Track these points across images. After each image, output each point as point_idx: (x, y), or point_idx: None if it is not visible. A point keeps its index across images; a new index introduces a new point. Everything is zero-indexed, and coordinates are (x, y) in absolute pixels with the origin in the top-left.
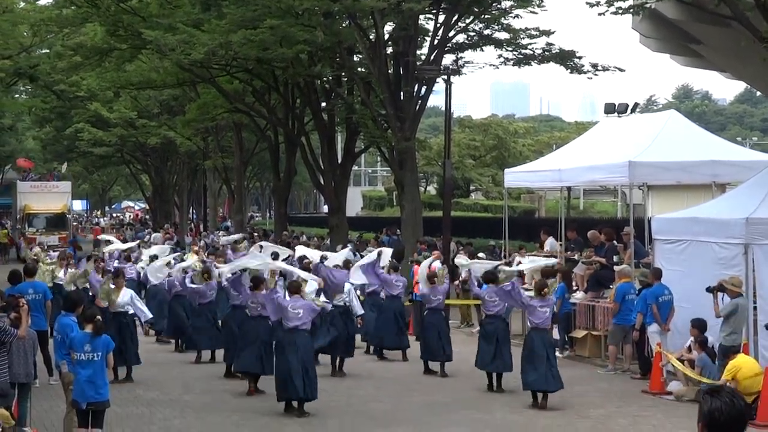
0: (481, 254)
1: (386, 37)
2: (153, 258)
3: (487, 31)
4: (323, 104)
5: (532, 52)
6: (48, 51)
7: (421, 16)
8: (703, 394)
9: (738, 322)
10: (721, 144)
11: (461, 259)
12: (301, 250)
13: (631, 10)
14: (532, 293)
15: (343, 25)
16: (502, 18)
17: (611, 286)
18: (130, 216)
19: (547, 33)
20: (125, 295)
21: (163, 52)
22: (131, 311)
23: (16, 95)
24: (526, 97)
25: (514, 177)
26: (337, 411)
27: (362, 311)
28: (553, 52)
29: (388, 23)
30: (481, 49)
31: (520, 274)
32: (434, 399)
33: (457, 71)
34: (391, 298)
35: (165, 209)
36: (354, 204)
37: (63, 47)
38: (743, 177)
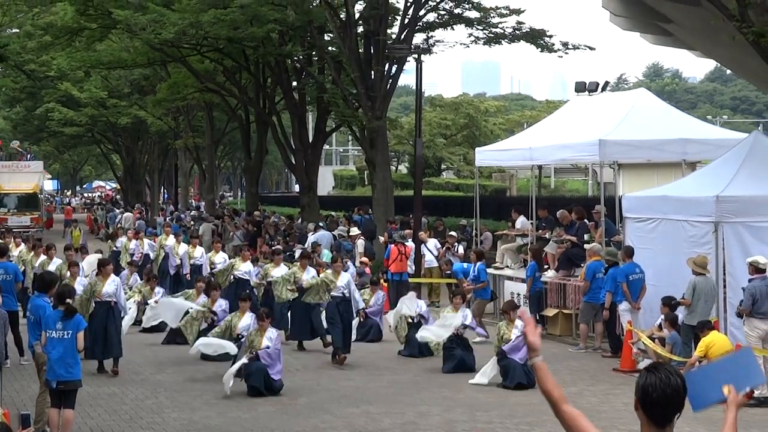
0: (452, 233)
1: (357, 16)
2: None
3: (457, 10)
4: (294, 83)
5: (502, 31)
6: (18, 30)
7: None
8: (642, 369)
9: (695, 301)
10: (691, 122)
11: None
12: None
13: None
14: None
15: (314, 4)
16: None
17: (582, 265)
18: (99, 195)
19: (518, 12)
20: (111, 284)
21: (134, 32)
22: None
23: None
24: (497, 76)
25: (485, 156)
26: (308, 389)
27: (362, 305)
28: (524, 30)
29: (359, 2)
30: (452, 28)
31: None
32: (404, 378)
33: (428, 50)
34: None
35: (136, 189)
36: (325, 183)
37: (33, 27)
38: (713, 155)
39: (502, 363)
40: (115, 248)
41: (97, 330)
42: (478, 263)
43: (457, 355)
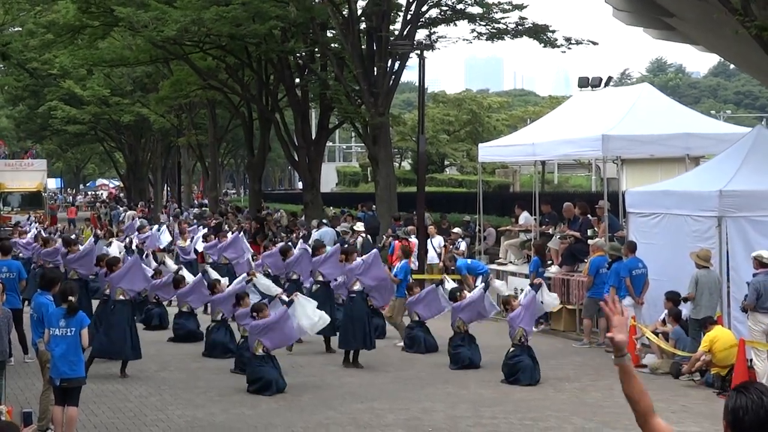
0: (456, 229)
1: (359, 12)
2: None
3: (460, 6)
4: (297, 80)
5: (505, 27)
6: (20, 29)
7: None
8: (731, 390)
9: (699, 294)
10: (694, 117)
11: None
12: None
13: None
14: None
15: (316, 0)
16: None
17: (585, 260)
18: (103, 194)
19: (520, 7)
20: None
21: (136, 29)
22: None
23: None
24: (500, 72)
25: (489, 152)
26: (312, 386)
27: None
28: (527, 26)
29: None
30: (455, 24)
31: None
32: (408, 374)
33: (431, 46)
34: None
35: (139, 187)
36: (328, 180)
37: (35, 25)
38: (717, 150)
39: (513, 360)
40: None
41: (117, 329)
42: (403, 261)
43: (465, 355)
